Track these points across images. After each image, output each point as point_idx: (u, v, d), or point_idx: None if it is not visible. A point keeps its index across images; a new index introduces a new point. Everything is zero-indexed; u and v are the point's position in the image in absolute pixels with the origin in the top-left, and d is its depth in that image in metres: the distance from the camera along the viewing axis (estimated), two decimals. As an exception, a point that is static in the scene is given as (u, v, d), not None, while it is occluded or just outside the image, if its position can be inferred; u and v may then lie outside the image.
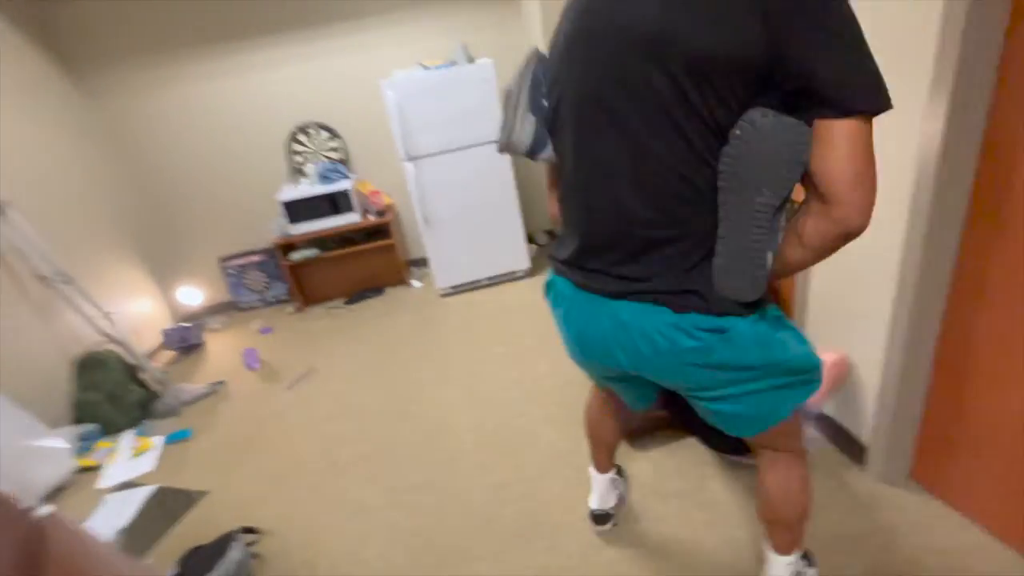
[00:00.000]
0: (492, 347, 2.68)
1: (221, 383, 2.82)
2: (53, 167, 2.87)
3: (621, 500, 1.50)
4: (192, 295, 3.73)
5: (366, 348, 2.96)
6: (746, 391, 0.87)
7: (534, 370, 2.39)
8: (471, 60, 3.10)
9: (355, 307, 3.58)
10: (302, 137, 3.56)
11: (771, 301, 0.88)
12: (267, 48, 3.36)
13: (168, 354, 3.32)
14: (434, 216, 3.19)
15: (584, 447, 1.78)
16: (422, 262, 3.90)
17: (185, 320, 3.59)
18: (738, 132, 0.70)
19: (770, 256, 0.77)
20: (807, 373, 0.89)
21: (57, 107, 3.00)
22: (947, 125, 1.08)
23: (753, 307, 0.83)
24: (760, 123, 0.68)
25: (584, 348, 0.98)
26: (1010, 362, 1.16)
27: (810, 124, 0.66)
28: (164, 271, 3.67)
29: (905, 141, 1.18)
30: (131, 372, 2.68)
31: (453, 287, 3.41)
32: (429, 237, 3.24)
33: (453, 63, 3.09)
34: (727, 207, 0.76)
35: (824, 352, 1.45)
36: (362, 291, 3.72)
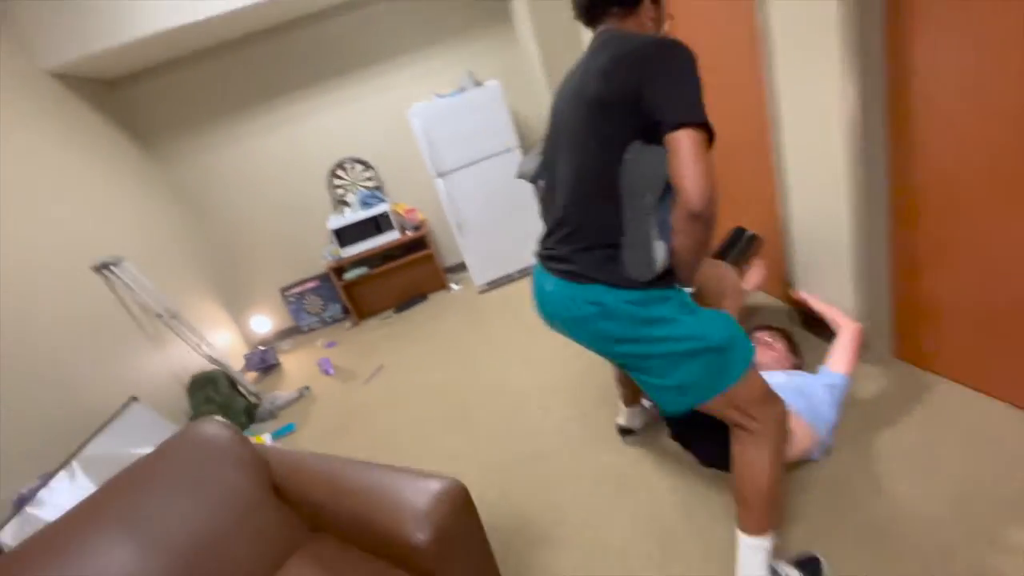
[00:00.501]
0: (532, 322, 3.09)
1: (307, 388, 3.27)
2: (141, 225, 3.39)
3: (646, 424, 1.88)
4: (262, 323, 4.23)
5: (424, 343, 3.39)
6: (652, 365, 1.11)
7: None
8: (479, 84, 3.58)
9: (405, 314, 4.03)
10: (340, 172, 4.06)
11: (680, 289, 1.13)
12: (299, 101, 3.89)
13: (251, 375, 3.80)
14: (466, 222, 3.64)
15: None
16: (458, 267, 4.35)
17: (258, 346, 4.08)
18: (627, 156, 1.05)
19: (662, 245, 1.04)
20: (717, 352, 1.07)
21: (135, 173, 3.54)
22: (859, 68, 1.48)
23: (655, 289, 1.08)
24: (638, 149, 1.04)
25: (541, 309, 1.30)
26: (955, 238, 1.54)
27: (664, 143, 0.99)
28: (236, 305, 4.17)
29: (835, 99, 1.57)
30: (234, 386, 3.15)
31: (489, 283, 3.84)
32: (464, 242, 3.69)
33: (463, 89, 3.56)
34: (626, 208, 1.07)
35: (846, 322, 1.75)
36: (409, 300, 4.17)
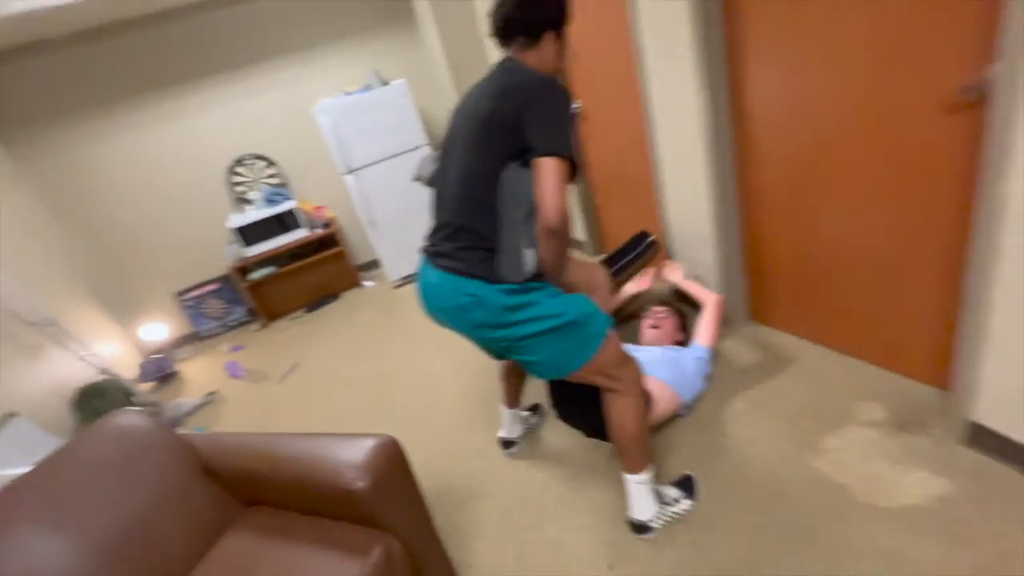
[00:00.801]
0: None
1: (214, 393, 3.13)
2: (3, 230, 3.03)
3: (525, 432, 1.97)
4: (156, 331, 3.92)
5: (339, 339, 3.40)
6: (524, 345, 1.28)
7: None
8: (385, 83, 3.64)
9: (317, 313, 3.97)
10: (240, 169, 3.90)
11: (547, 285, 1.30)
12: (192, 94, 3.68)
13: (147, 385, 3.53)
14: (378, 218, 3.69)
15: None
16: (371, 265, 4.35)
17: (151, 354, 3.79)
18: (505, 173, 1.22)
19: (532, 252, 1.22)
20: (576, 326, 1.28)
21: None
22: (707, 83, 1.82)
23: (524, 284, 1.25)
24: (515, 169, 1.21)
25: (425, 301, 1.41)
26: (781, 218, 1.93)
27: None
28: (123, 312, 3.83)
29: (691, 102, 1.90)
30: (127, 397, 2.94)
31: (404, 278, 3.92)
32: (376, 238, 3.73)
33: (369, 87, 3.61)
34: (502, 218, 1.23)
35: (707, 296, 2.10)
36: (320, 299, 4.11)
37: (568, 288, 1.39)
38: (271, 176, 3.99)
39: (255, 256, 3.77)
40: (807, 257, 1.88)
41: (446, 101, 4.02)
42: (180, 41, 3.55)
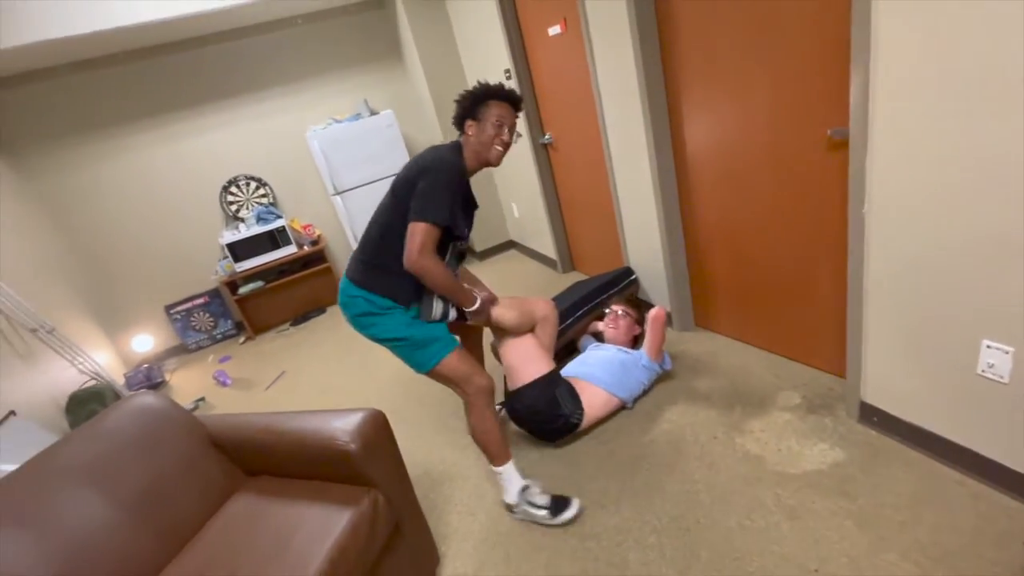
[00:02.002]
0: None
1: (202, 399, 3.28)
2: (7, 241, 3.19)
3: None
4: (143, 342, 4.06)
5: (325, 349, 3.59)
6: (393, 348, 1.70)
7: (466, 330, 3.23)
8: (374, 112, 3.95)
9: (303, 326, 4.16)
10: (233, 189, 4.13)
11: (415, 307, 1.66)
12: (189, 119, 3.93)
13: (134, 394, 3.65)
14: (364, 237, 3.94)
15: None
16: (354, 281, 4.57)
17: (142, 364, 3.91)
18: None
19: (438, 300, 1.65)
20: (416, 345, 1.65)
21: (2, 187, 3.32)
22: (652, 123, 2.15)
23: (386, 300, 1.62)
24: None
25: (340, 304, 1.72)
26: (715, 237, 2.25)
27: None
28: (113, 323, 3.97)
29: (641, 136, 2.24)
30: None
31: (387, 293, 4.14)
32: (361, 255, 3.97)
33: (358, 115, 3.91)
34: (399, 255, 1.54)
35: (652, 313, 2.29)
36: (306, 313, 4.30)
37: (508, 326, 1.88)
38: (262, 196, 4.22)
39: (245, 271, 3.96)
40: (737, 270, 2.20)
41: (429, 130, 4.35)
42: (181, 70, 3.82)
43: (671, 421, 2.01)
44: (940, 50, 1.17)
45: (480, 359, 2.09)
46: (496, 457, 1.73)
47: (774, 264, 2.02)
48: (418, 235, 1.49)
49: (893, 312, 1.51)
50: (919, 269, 1.39)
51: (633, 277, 2.72)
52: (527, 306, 1.96)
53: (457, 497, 1.92)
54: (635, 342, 2.38)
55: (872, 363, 1.64)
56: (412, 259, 1.50)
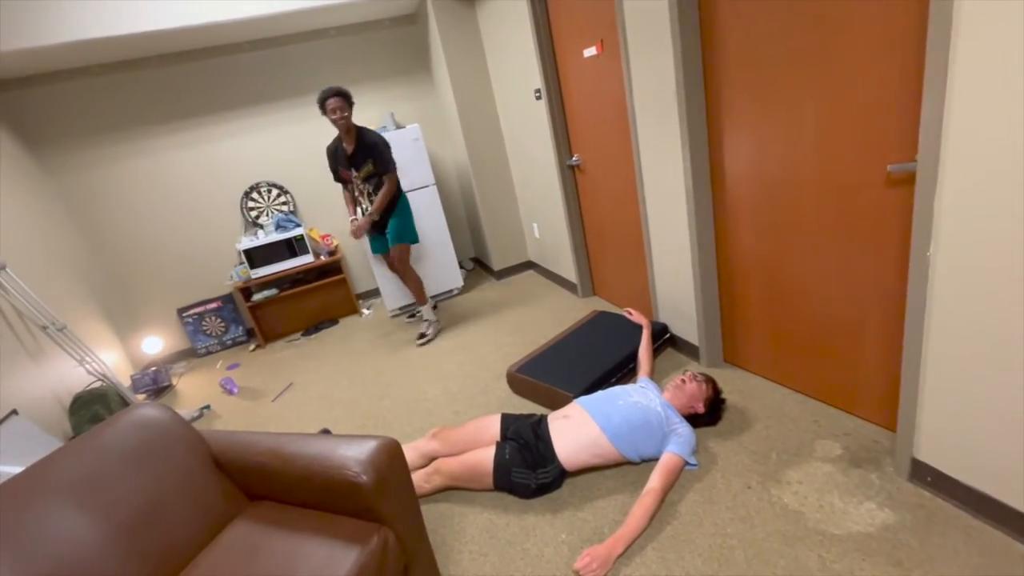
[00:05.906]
0: (442, 343, 3.38)
1: (207, 407, 3.20)
2: (19, 230, 3.18)
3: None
4: (152, 344, 4.01)
5: (335, 362, 3.51)
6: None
7: (479, 351, 3.13)
8: (399, 126, 3.93)
9: (314, 337, 4.09)
10: (255, 195, 4.11)
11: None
12: (214, 124, 3.94)
13: (140, 396, 3.58)
14: (382, 249, 3.87)
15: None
16: (371, 293, 4.51)
17: (150, 366, 3.85)
18: None
19: None
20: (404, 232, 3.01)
21: (21, 177, 3.32)
22: (690, 144, 2.07)
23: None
24: None
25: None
26: (752, 271, 2.14)
27: None
28: (124, 323, 3.93)
29: (676, 162, 2.15)
30: (125, 405, 3.00)
31: (400, 308, 4.07)
32: (377, 268, 3.91)
33: (384, 128, 3.89)
34: None
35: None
36: (318, 323, 4.23)
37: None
38: (283, 204, 4.20)
39: (260, 278, 3.92)
40: (774, 307, 2.08)
41: (453, 146, 4.31)
42: (211, 75, 3.84)
43: (700, 466, 1.87)
44: (1029, 85, 1.07)
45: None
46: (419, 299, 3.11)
47: (817, 303, 1.90)
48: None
49: (957, 363, 1.38)
50: (988, 318, 1.27)
51: (668, 336, 2.64)
52: (471, 461, 1.92)
53: (468, 533, 1.80)
54: (691, 417, 2.00)
55: (928, 417, 1.50)
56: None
